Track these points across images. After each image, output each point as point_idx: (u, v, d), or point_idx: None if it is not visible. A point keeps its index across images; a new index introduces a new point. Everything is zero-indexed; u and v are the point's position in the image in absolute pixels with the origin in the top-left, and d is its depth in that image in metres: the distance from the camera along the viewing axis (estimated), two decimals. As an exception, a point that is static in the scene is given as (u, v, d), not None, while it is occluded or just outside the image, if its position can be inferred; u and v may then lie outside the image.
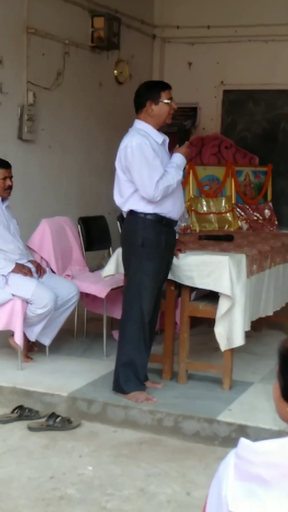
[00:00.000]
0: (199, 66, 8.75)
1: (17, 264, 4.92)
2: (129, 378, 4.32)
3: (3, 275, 4.85)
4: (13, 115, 6.49)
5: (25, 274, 4.88)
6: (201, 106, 8.75)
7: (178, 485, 3.51)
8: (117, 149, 4.31)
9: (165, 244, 4.30)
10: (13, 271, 4.87)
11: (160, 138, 4.30)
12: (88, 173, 7.70)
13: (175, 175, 4.23)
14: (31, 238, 5.46)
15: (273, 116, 8.57)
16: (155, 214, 4.24)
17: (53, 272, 5.34)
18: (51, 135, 7.04)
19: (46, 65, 6.89)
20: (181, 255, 4.49)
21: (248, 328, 4.55)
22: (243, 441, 1.43)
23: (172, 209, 4.30)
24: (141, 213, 4.24)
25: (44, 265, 5.37)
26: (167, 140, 4.40)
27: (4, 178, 5.01)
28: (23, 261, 5.01)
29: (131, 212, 4.28)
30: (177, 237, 4.54)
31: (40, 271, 5.08)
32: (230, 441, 3.93)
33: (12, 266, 4.88)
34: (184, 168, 4.38)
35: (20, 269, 4.90)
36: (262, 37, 8.33)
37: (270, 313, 5.11)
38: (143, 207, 4.24)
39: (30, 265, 5.03)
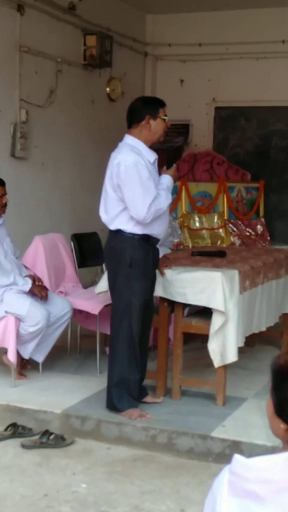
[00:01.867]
0: (191, 83, 8.81)
1: (36, 285, 4.96)
2: (122, 396, 4.31)
3: (24, 292, 4.88)
4: (6, 133, 6.52)
5: (42, 296, 4.92)
6: (193, 123, 8.81)
7: (172, 501, 3.50)
8: (109, 165, 4.29)
9: (152, 263, 4.31)
10: (31, 290, 4.91)
11: (152, 157, 4.27)
12: (81, 190, 7.73)
13: (165, 199, 4.21)
14: (24, 255, 5.46)
15: (265, 132, 8.64)
16: (144, 235, 4.23)
17: (46, 289, 5.33)
18: (44, 152, 7.07)
19: (39, 83, 6.93)
20: (172, 271, 4.49)
21: (241, 344, 4.55)
22: (237, 458, 1.44)
23: (159, 229, 4.30)
24: (129, 233, 4.21)
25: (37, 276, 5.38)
26: (157, 158, 4.40)
27: (2, 196, 5.05)
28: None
29: (118, 231, 4.24)
30: (166, 253, 4.55)
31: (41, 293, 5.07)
32: (224, 457, 3.93)
33: (29, 285, 4.92)
34: (176, 186, 4.39)
35: (39, 290, 4.93)
36: (253, 55, 8.41)
37: (263, 329, 5.12)
38: (132, 228, 4.19)
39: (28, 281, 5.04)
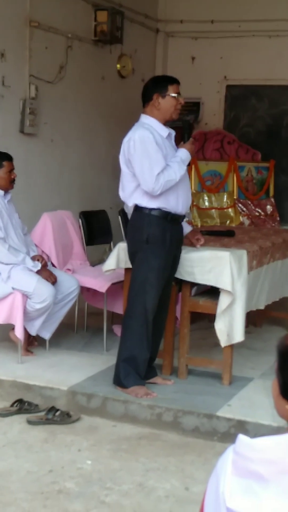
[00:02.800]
0: (203, 60, 8.72)
1: (45, 269, 4.95)
2: (129, 373, 4.32)
3: (31, 270, 4.86)
4: (15, 109, 6.48)
5: (49, 279, 4.91)
6: (204, 101, 8.73)
7: (177, 480, 3.51)
8: (119, 143, 4.30)
9: (170, 240, 4.28)
10: (39, 272, 4.89)
11: (165, 131, 4.28)
12: (90, 167, 7.69)
13: (178, 170, 4.21)
14: (32, 232, 5.46)
15: (276, 112, 8.55)
16: (159, 210, 4.22)
17: (53, 266, 5.34)
18: (53, 129, 7.03)
19: (49, 59, 6.87)
20: (188, 248, 4.47)
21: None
22: (241, 438, 1.43)
23: (176, 204, 4.28)
24: (145, 208, 4.23)
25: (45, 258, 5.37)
26: (173, 133, 4.38)
27: (10, 171, 5.04)
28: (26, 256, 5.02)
29: (136, 208, 4.27)
30: (189, 230, 4.53)
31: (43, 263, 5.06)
32: (229, 437, 3.94)
33: (38, 267, 4.91)
34: (188, 163, 4.37)
35: (48, 275, 4.91)
36: (266, 32, 8.30)
37: (262, 307, 5.05)
38: (146, 202, 4.23)
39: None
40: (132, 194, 4.27)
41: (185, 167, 4.30)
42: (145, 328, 4.29)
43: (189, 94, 8.07)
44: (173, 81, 4.32)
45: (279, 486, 1.33)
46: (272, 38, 8.33)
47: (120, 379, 4.34)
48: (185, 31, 8.69)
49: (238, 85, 8.63)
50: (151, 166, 4.12)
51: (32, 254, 5.11)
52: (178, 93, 4.29)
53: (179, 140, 4.44)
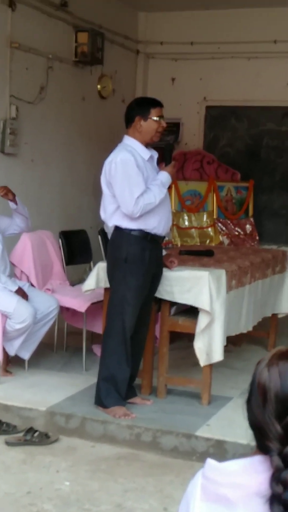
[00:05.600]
0: (182, 81, 8.80)
1: (20, 289, 4.95)
2: (109, 392, 4.31)
3: (11, 291, 4.85)
4: (-4, 129, 6.49)
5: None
6: (184, 121, 8.80)
7: (155, 500, 3.50)
8: (100, 163, 4.33)
9: (149, 259, 4.30)
10: (16, 292, 4.88)
11: (147, 154, 4.31)
12: (70, 187, 7.71)
13: (158, 193, 4.23)
14: (12, 252, 5.45)
15: (255, 132, 8.64)
16: (139, 230, 4.25)
17: (32, 286, 5.33)
18: (34, 149, 7.05)
19: (29, 80, 6.91)
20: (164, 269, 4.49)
21: (224, 343, 4.55)
22: (209, 462, 1.43)
23: (158, 225, 4.30)
24: (125, 229, 4.25)
25: (24, 279, 5.37)
26: (156, 155, 4.41)
27: None
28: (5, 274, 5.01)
29: (116, 228, 4.29)
30: (164, 252, 4.56)
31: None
32: (208, 457, 3.91)
33: (16, 287, 4.91)
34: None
35: (22, 294, 4.91)
36: (245, 54, 8.40)
37: (250, 329, 5.13)
38: (127, 223, 4.24)
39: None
40: (113, 215, 4.28)
41: (165, 190, 4.32)
42: (123, 347, 4.29)
43: (169, 114, 8.09)
44: (156, 104, 4.35)
45: (247, 510, 1.33)
46: (251, 60, 8.43)
47: (101, 399, 4.33)
48: (165, 53, 8.77)
49: (218, 106, 8.71)
50: (131, 189, 4.14)
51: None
52: (161, 116, 4.31)
53: (161, 161, 4.47)
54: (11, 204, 5.06)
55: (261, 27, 8.27)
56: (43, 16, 6.99)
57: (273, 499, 1.31)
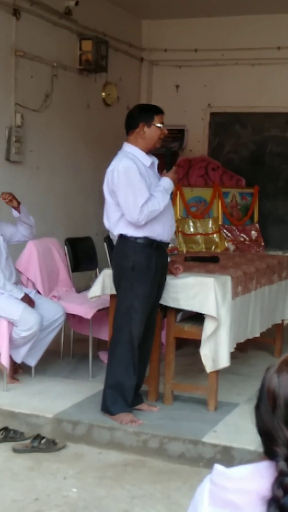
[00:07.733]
0: (187, 88, 8.83)
1: (26, 295, 4.95)
2: (116, 400, 4.32)
3: (16, 298, 4.86)
4: (1, 137, 6.52)
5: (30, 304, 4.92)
6: (189, 128, 8.83)
7: (163, 506, 3.50)
8: (105, 170, 4.33)
9: (156, 267, 4.30)
10: (22, 298, 4.89)
11: (148, 161, 4.31)
12: (76, 194, 7.74)
13: (161, 200, 4.24)
14: (18, 260, 5.47)
15: (259, 138, 8.66)
16: (145, 238, 4.25)
17: (39, 293, 5.34)
18: (39, 157, 7.08)
19: (34, 88, 6.94)
20: (170, 276, 4.50)
21: (232, 349, 4.56)
22: (217, 467, 1.44)
23: (162, 232, 4.31)
24: (131, 237, 4.25)
25: (30, 286, 5.38)
26: (156, 162, 4.42)
27: None
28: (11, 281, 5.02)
29: (121, 236, 4.29)
30: (169, 259, 4.57)
31: None
32: (215, 463, 3.92)
33: (22, 294, 4.91)
34: (172, 192, 4.42)
35: (28, 300, 4.92)
36: (249, 61, 8.43)
37: (257, 335, 5.14)
38: (132, 232, 4.24)
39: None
40: (117, 224, 4.28)
41: (168, 196, 4.33)
42: (131, 355, 4.29)
43: (174, 121, 8.19)
44: (159, 111, 4.37)
45: None
46: (255, 66, 8.46)
47: (108, 406, 4.34)
48: (169, 60, 8.81)
49: (222, 113, 8.74)
50: (135, 197, 4.14)
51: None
52: (162, 123, 4.34)
53: (162, 168, 4.48)
54: (14, 213, 5.06)
55: (264, 34, 8.30)
56: (47, 24, 7.02)
57: (271, 501, 1.32)
